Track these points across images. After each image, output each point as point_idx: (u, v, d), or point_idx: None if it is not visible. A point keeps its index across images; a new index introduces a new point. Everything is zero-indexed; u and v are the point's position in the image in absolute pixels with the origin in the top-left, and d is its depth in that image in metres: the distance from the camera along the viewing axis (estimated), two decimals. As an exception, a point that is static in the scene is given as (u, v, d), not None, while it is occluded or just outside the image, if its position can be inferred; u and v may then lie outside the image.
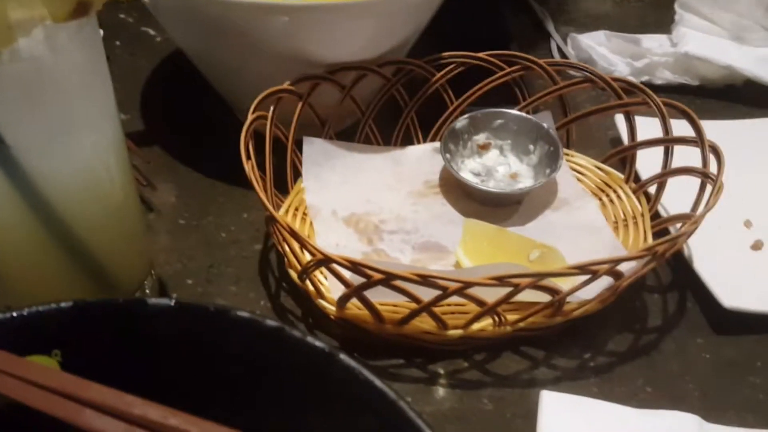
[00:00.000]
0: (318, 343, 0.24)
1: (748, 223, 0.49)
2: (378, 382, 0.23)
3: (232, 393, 0.26)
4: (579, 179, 0.51)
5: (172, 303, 0.25)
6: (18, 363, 0.23)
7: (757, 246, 0.47)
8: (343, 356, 0.24)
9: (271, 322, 0.25)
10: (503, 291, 0.37)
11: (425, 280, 0.36)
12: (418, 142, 0.53)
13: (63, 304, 0.25)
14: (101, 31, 0.60)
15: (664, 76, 0.62)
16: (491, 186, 0.49)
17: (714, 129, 0.47)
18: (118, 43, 0.65)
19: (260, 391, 0.26)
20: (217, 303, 0.26)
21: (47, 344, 0.25)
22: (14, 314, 0.25)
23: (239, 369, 0.26)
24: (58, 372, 0.23)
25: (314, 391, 0.25)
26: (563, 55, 0.66)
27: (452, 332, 0.39)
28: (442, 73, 0.51)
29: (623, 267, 0.38)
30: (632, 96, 0.48)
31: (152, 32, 0.66)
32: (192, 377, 0.26)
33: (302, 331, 0.25)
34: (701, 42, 0.61)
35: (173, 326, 0.25)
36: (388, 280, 0.36)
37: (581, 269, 0.36)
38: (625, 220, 0.47)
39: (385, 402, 0.23)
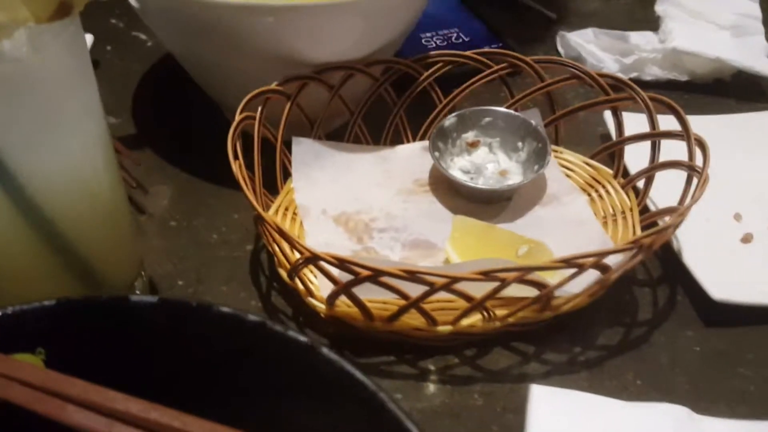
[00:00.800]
0: (300, 337, 0.24)
1: (738, 217, 0.49)
2: (359, 375, 0.23)
3: (216, 387, 0.26)
4: (568, 175, 0.51)
5: (155, 299, 0.26)
6: (1, 361, 0.23)
7: (746, 239, 0.48)
8: (324, 350, 0.24)
9: (253, 317, 0.25)
10: (491, 286, 0.37)
11: (412, 276, 0.36)
12: (408, 141, 0.53)
13: (46, 302, 0.25)
14: (91, 36, 0.61)
15: (652, 72, 0.63)
16: (480, 183, 0.49)
17: (703, 124, 0.47)
18: (108, 47, 0.65)
19: (244, 385, 0.26)
20: (200, 299, 0.26)
21: (31, 342, 0.25)
22: (-2, 313, 0.25)
23: (223, 364, 0.26)
24: (41, 369, 0.23)
25: (297, 384, 0.25)
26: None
27: (442, 328, 0.39)
28: (430, 71, 0.51)
29: (611, 260, 0.38)
30: (620, 92, 0.49)
31: (143, 37, 0.67)
32: (176, 372, 0.26)
33: (287, 326, 0.25)
34: (688, 36, 0.61)
35: (157, 322, 0.26)
36: (375, 276, 0.36)
37: (567, 262, 0.36)
38: (614, 214, 0.47)
39: (366, 394, 0.23)
